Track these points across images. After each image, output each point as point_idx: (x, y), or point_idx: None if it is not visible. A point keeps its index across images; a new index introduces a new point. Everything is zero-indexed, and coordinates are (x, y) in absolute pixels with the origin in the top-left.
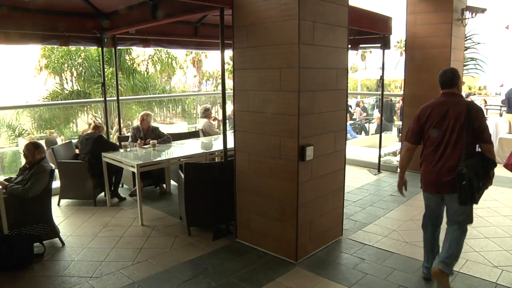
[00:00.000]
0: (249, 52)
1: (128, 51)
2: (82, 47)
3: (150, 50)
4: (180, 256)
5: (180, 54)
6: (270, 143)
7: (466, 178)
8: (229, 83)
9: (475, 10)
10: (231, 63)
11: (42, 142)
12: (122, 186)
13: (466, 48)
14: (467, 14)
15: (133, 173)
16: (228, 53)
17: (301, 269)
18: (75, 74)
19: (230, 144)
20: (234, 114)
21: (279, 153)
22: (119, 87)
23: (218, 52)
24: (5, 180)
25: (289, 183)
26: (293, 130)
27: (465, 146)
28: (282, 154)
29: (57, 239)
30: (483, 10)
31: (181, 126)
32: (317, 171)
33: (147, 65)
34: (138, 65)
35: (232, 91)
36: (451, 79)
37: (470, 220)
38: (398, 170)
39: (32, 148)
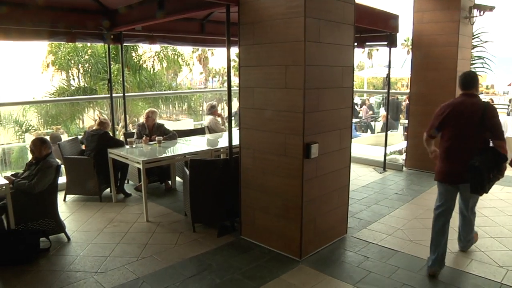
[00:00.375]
0: (255, 49)
1: (135, 47)
2: (88, 44)
3: (157, 47)
4: (185, 253)
5: (186, 51)
6: (275, 140)
7: (477, 170)
8: (235, 80)
9: (483, 8)
10: (237, 60)
11: (48, 138)
12: (128, 182)
13: (474, 47)
14: (475, 12)
15: (139, 169)
16: (234, 50)
17: (305, 266)
18: (81, 71)
19: (236, 141)
20: (240, 111)
21: (284, 150)
22: (125, 83)
23: (224, 49)
24: (12, 175)
25: (294, 180)
26: (298, 128)
27: (478, 142)
28: (287, 152)
29: (63, 234)
30: (491, 8)
31: (187, 123)
32: (322, 168)
33: (153, 62)
34: (144, 62)
35: (238, 88)
36: (471, 81)
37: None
38: (427, 148)
39: (39, 144)
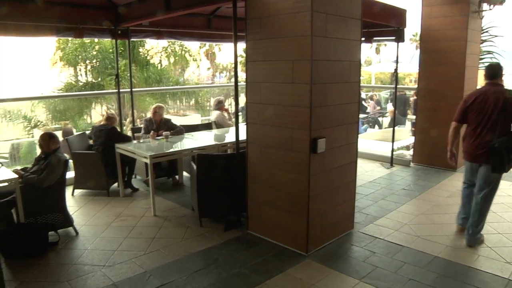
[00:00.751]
0: (262, 44)
1: (142, 43)
2: (96, 40)
3: (164, 43)
4: (192, 247)
5: (193, 46)
6: (282, 135)
7: (497, 150)
8: (242, 75)
9: (493, 2)
10: (245, 55)
11: (58, 133)
12: (135, 177)
13: (483, 41)
14: (485, 6)
15: (146, 164)
16: (241, 45)
17: (312, 261)
18: (89, 67)
19: (243, 136)
20: (247, 106)
21: (291, 145)
22: (133, 79)
23: (232, 45)
24: (21, 169)
25: (301, 175)
26: (305, 122)
27: (500, 126)
28: (293, 146)
29: (71, 228)
30: (501, 2)
31: (194, 118)
32: (328, 163)
33: (160, 58)
34: (152, 57)
35: (245, 83)
36: (496, 72)
37: (495, 188)
38: (448, 145)
39: (47, 139)
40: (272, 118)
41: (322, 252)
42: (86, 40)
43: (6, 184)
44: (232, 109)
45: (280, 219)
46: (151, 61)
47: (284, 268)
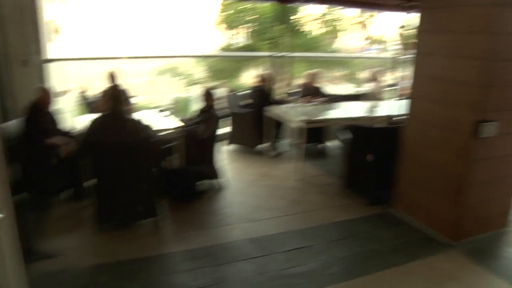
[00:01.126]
0: (438, 13)
1: (298, 9)
2: (256, 3)
3: (319, 10)
4: (331, 216)
5: (349, 15)
6: (446, 114)
7: None
8: (398, 48)
9: None
10: (403, 26)
11: (220, 91)
12: (284, 140)
13: None
14: None
15: (295, 128)
16: (402, 16)
17: (457, 253)
18: (247, 30)
19: (396, 111)
20: (413, 79)
21: (454, 125)
22: (287, 44)
23: (388, 14)
24: (185, 119)
25: (460, 159)
26: (472, 102)
27: None
28: (456, 127)
29: (220, 180)
30: None
31: (346, 88)
32: (494, 150)
33: (315, 26)
34: (307, 24)
35: (403, 56)
36: None
37: None
38: None
39: (208, 93)
40: (438, 94)
41: (469, 245)
42: (244, 5)
43: (172, 131)
44: (387, 83)
45: (429, 202)
46: (305, 29)
47: (425, 255)
